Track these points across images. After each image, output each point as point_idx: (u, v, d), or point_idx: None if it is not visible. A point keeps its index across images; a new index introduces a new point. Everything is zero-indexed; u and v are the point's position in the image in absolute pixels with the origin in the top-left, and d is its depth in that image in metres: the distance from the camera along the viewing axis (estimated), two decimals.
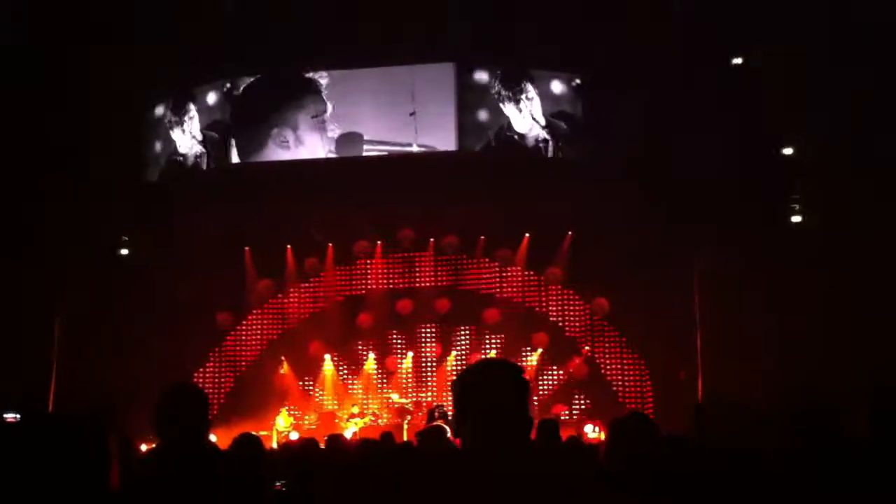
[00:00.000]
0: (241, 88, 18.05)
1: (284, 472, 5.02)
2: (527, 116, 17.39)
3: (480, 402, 2.39)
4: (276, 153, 17.76)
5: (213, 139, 18.26)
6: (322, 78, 17.65)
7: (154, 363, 15.80)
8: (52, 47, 16.01)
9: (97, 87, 16.27)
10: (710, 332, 16.02)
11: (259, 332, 19.46)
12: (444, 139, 17.44)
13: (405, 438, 14.60)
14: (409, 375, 18.72)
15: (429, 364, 18.74)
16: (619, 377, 18.00)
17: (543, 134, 17.40)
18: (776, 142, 16.17)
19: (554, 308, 18.63)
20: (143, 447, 9.92)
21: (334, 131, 17.73)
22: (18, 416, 14.36)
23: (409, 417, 17.02)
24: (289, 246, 19.18)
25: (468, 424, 2.39)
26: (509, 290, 18.79)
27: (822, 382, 12.26)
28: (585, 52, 16.38)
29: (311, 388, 18.98)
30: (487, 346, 18.53)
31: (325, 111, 17.67)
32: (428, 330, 18.94)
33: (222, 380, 19.04)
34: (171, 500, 3.33)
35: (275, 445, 15.27)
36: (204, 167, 18.35)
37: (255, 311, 19.51)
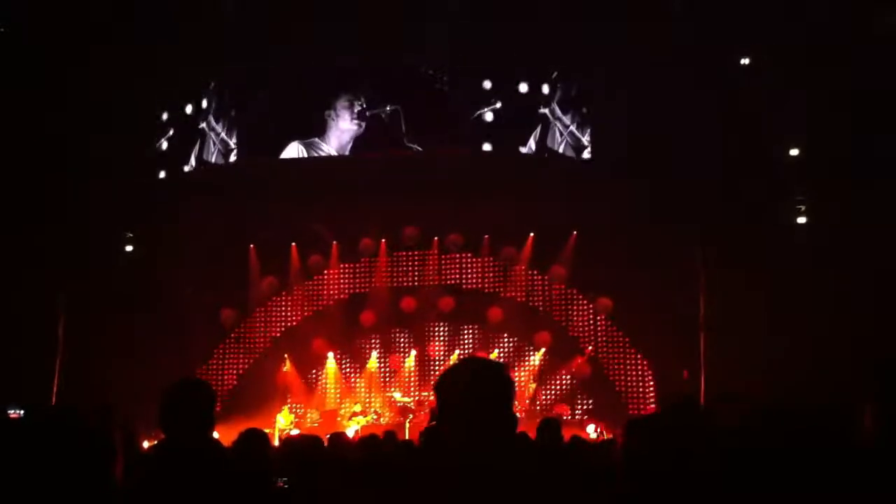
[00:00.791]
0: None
1: (286, 469, 5.01)
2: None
3: (460, 400, 2.38)
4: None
5: (219, 137, 18.29)
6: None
7: (158, 360, 15.83)
8: (53, 47, 16.02)
9: (101, 87, 16.29)
10: (714, 332, 16.00)
11: (263, 329, 19.49)
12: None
13: (407, 437, 14.59)
14: (412, 374, 18.73)
15: (432, 362, 18.74)
16: (622, 377, 18.00)
17: (556, 124, 17.43)
18: (782, 142, 16.15)
19: (557, 307, 18.63)
20: (146, 443, 9.97)
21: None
22: (22, 411, 14.39)
23: (410, 416, 17.02)
24: (293, 243, 19.20)
25: (449, 423, 2.39)
26: (513, 288, 18.80)
27: (826, 382, 12.24)
28: (586, 52, 16.38)
29: (313, 385, 18.99)
30: (491, 345, 18.53)
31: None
32: (431, 328, 18.94)
33: (225, 377, 19.07)
34: (175, 495, 3.33)
35: (276, 443, 15.29)
36: (209, 164, 18.39)
37: (258, 309, 19.54)
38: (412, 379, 18.69)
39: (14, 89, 15.98)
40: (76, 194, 16.57)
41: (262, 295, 19.43)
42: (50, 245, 16.29)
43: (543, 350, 18.28)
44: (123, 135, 17.07)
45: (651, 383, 17.70)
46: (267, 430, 6.33)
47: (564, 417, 17.04)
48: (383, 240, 19.19)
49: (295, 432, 16.15)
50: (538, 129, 17.42)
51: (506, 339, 18.59)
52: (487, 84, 17.40)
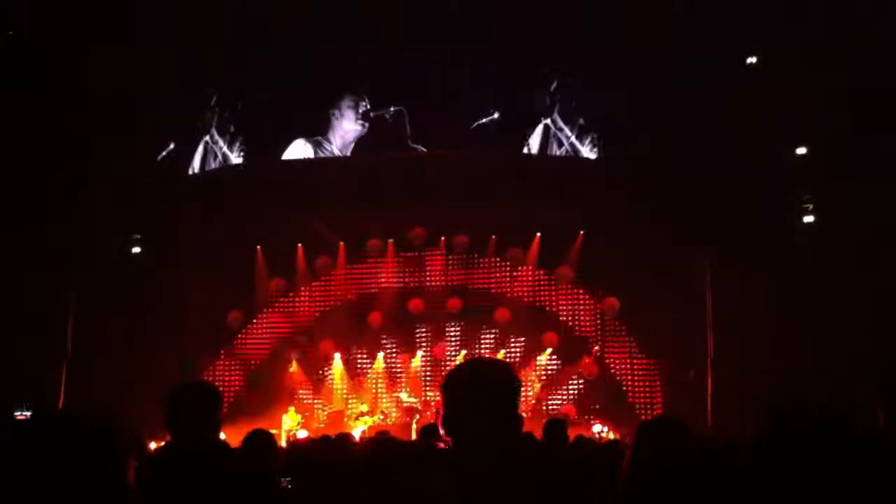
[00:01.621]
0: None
1: (292, 470, 5.03)
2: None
3: (466, 399, 2.39)
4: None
5: (222, 139, 18.36)
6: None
7: (165, 361, 15.87)
8: (53, 47, 16.06)
9: (104, 87, 16.33)
10: (721, 332, 15.99)
11: (269, 330, 19.52)
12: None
13: (413, 437, 14.59)
14: (419, 374, 18.73)
15: (438, 363, 18.73)
16: (629, 377, 17.97)
17: (564, 134, 17.44)
18: (787, 142, 16.12)
19: (564, 307, 18.61)
20: (153, 445, 9.98)
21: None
22: (29, 413, 14.45)
23: (417, 416, 17.03)
24: (300, 245, 19.22)
25: (455, 422, 2.40)
26: (520, 289, 18.79)
27: (833, 382, 12.22)
28: (588, 51, 16.38)
29: (320, 386, 19.01)
30: (498, 346, 18.53)
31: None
32: (438, 329, 18.93)
33: (232, 378, 19.10)
34: (182, 497, 3.35)
35: (283, 444, 15.31)
36: (215, 166, 18.45)
37: (265, 310, 19.56)
38: (419, 379, 18.69)
39: (14, 89, 16.01)
40: (80, 196, 16.59)
41: (270, 296, 19.46)
42: (55, 247, 16.32)
43: (550, 350, 18.27)
44: (124, 137, 17.10)
45: (658, 383, 17.67)
46: (273, 431, 6.34)
47: (571, 417, 17.02)
48: (390, 241, 19.19)
49: (302, 433, 16.17)
50: (540, 133, 17.44)
51: (513, 340, 18.57)
52: (487, 90, 17.44)
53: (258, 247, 19.07)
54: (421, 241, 19.11)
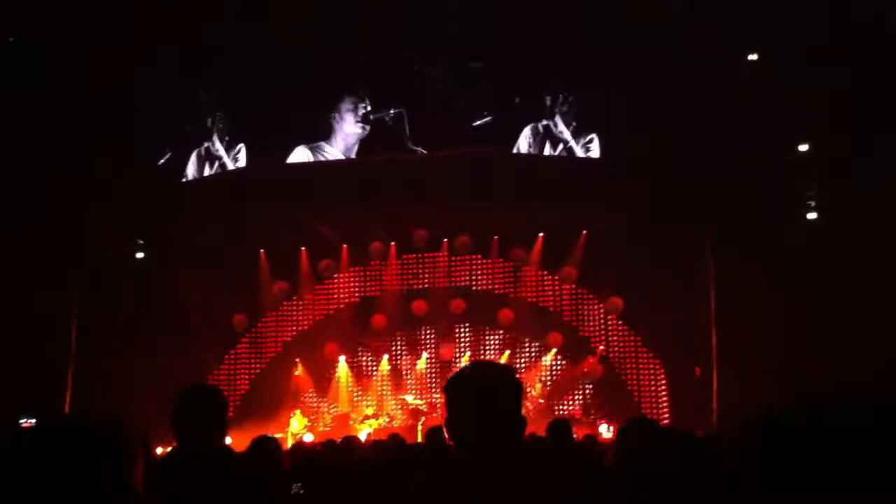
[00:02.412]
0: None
1: (301, 475, 5.04)
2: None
3: (469, 402, 2.40)
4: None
5: (225, 142, 18.40)
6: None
7: (169, 366, 15.88)
8: (54, 47, 16.07)
9: (106, 88, 16.35)
10: (726, 331, 15.98)
11: (274, 334, 19.54)
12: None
13: (419, 440, 14.60)
14: (424, 376, 18.74)
15: (443, 365, 18.74)
16: (634, 376, 17.97)
17: (560, 134, 17.44)
18: (789, 136, 16.11)
19: (568, 308, 18.60)
20: (159, 450, 10.01)
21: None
22: (34, 420, 14.44)
23: (423, 419, 17.03)
24: (303, 248, 19.24)
25: (458, 425, 2.41)
26: (524, 290, 18.79)
27: (839, 381, 12.21)
28: (588, 50, 16.39)
29: (325, 389, 19.02)
30: (502, 347, 18.54)
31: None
32: (442, 331, 18.94)
33: (237, 382, 19.12)
34: (188, 502, 3.35)
35: (289, 447, 15.32)
36: (218, 170, 18.47)
37: (269, 314, 19.59)
38: (424, 381, 18.70)
39: (14, 89, 16.02)
40: (83, 198, 16.60)
41: (274, 300, 19.49)
42: (57, 250, 16.32)
43: (555, 351, 18.27)
44: (125, 138, 17.11)
45: (663, 382, 17.67)
46: (279, 435, 6.35)
47: (576, 417, 17.02)
48: (393, 243, 19.21)
49: (308, 436, 16.19)
50: (539, 133, 17.46)
51: (517, 341, 18.58)
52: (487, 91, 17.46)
53: (261, 250, 19.10)
54: (424, 242, 19.12)
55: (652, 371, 17.85)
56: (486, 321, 18.73)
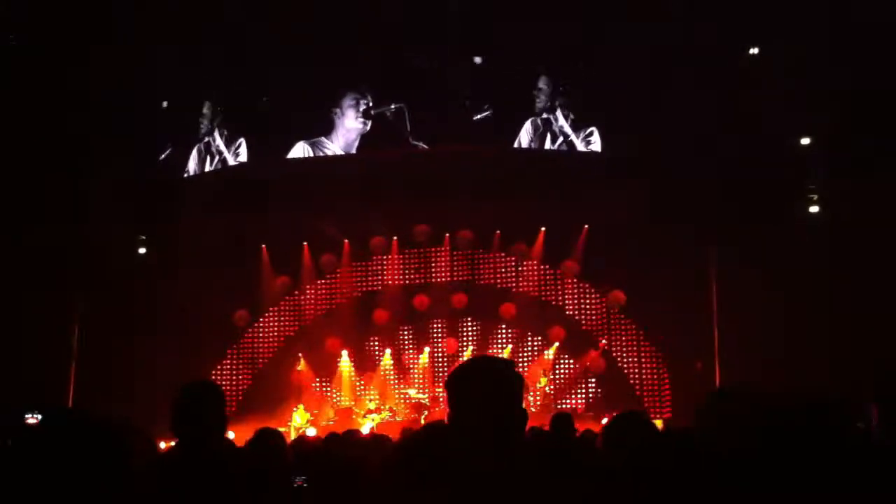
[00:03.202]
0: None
1: (305, 469, 5.03)
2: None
3: (470, 397, 2.40)
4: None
5: (232, 139, 18.42)
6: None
7: (171, 362, 15.89)
8: (54, 47, 16.07)
9: (106, 88, 16.34)
10: (727, 324, 15.97)
11: (276, 329, 19.56)
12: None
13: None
14: (426, 371, 18.75)
15: (445, 359, 18.76)
16: (636, 370, 17.98)
17: (560, 128, 17.42)
18: (790, 133, 16.09)
19: (570, 302, 18.61)
20: (162, 444, 10.01)
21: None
22: (39, 417, 14.47)
23: (425, 412, 17.05)
24: (305, 243, 19.24)
25: (459, 419, 2.41)
26: (525, 284, 18.79)
27: (839, 374, 12.20)
28: (589, 46, 16.37)
29: (327, 384, 19.05)
30: (504, 341, 18.54)
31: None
32: (444, 325, 18.95)
33: (239, 377, 19.14)
34: (189, 498, 3.35)
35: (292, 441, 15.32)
36: (219, 165, 18.48)
37: (271, 309, 19.59)
38: (426, 375, 18.71)
39: (14, 89, 16.01)
40: (83, 197, 16.60)
41: (275, 295, 19.50)
42: (58, 249, 16.33)
43: (557, 345, 18.27)
44: (125, 136, 17.09)
45: (665, 376, 17.67)
46: (283, 429, 6.35)
47: (578, 411, 17.03)
48: (395, 238, 19.20)
49: (311, 432, 16.20)
50: (539, 128, 17.44)
51: (519, 335, 18.58)
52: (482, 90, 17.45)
53: (263, 245, 19.10)
54: (425, 237, 19.12)
55: (654, 365, 17.85)
56: (488, 315, 18.73)
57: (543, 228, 18.45)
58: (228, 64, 17.58)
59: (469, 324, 18.92)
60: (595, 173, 16.82)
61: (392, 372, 18.95)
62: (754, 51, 16.31)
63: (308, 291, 19.58)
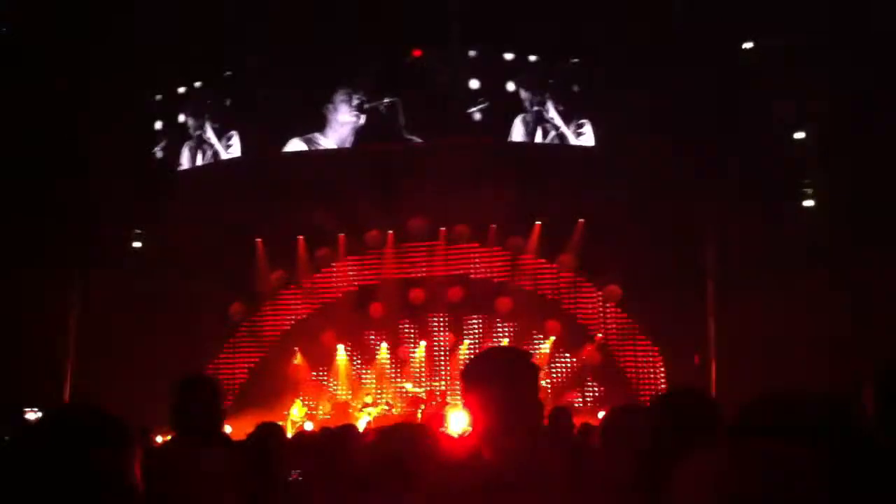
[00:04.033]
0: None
1: (301, 462, 5.03)
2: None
3: (492, 388, 2.38)
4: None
5: (223, 132, 18.38)
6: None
7: (168, 355, 15.87)
8: (54, 47, 16.03)
9: (103, 85, 16.31)
10: (724, 318, 15.98)
11: (272, 323, 19.54)
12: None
13: None
14: (422, 365, 18.75)
15: (442, 353, 18.77)
16: (633, 364, 17.99)
17: (551, 120, 17.43)
18: (786, 127, 16.10)
19: (566, 296, 18.60)
20: (159, 438, 10.00)
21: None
22: (39, 412, 14.46)
23: (422, 406, 17.05)
24: (300, 237, 19.21)
25: (480, 412, 2.39)
26: (521, 278, 18.78)
27: (838, 370, 12.22)
28: (588, 41, 16.36)
29: (324, 378, 19.04)
30: (500, 335, 18.54)
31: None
32: (440, 319, 18.95)
33: (236, 371, 19.12)
34: (187, 491, 3.34)
35: (289, 435, 15.31)
36: (211, 158, 18.46)
37: (267, 303, 19.57)
38: (422, 370, 18.71)
39: (13, 89, 15.98)
40: (79, 192, 16.57)
41: (271, 289, 19.48)
42: (55, 244, 16.30)
43: (553, 338, 18.28)
44: (123, 132, 17.06)
45: (661, 370, 17.69)
46: (280, 423, 6.34)
47: (575, 405, 17.05)
48: (390, 232, 19.18)
49: (308, 425, 16.21)
50: (531, 121, 17.46)
51: (515, 329, 18.58)
52: (476, 83, 17.42)
53: (258, 239, 19.07)
54: (420, 231, 19.09)
55: (650, 359, 17.87)
56: (483, 309, 18.72)
57: (539, 222, 18.43)
58: (225, 62, 17.57)
59: (465, 318, 18.90)
60: (591, 168, 16.82)
61: (389, 366, 18.94)
62: (748, 45, 16.31)
63: (304, 285, 19.55)
